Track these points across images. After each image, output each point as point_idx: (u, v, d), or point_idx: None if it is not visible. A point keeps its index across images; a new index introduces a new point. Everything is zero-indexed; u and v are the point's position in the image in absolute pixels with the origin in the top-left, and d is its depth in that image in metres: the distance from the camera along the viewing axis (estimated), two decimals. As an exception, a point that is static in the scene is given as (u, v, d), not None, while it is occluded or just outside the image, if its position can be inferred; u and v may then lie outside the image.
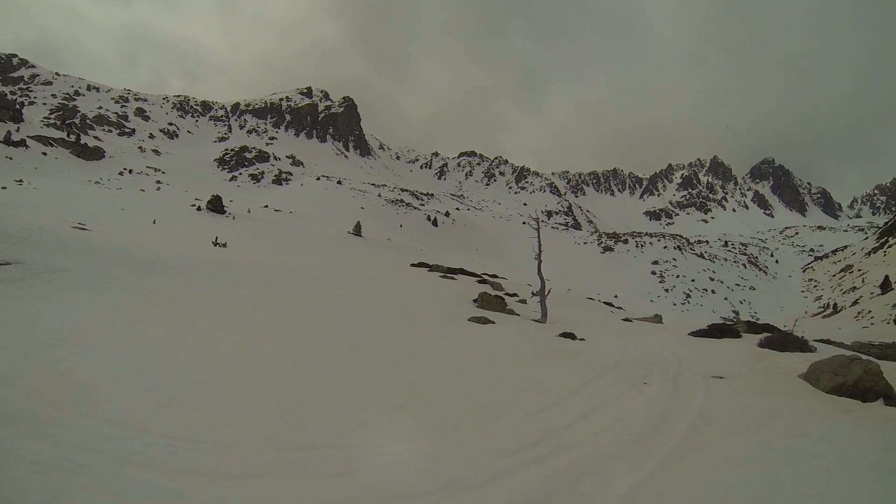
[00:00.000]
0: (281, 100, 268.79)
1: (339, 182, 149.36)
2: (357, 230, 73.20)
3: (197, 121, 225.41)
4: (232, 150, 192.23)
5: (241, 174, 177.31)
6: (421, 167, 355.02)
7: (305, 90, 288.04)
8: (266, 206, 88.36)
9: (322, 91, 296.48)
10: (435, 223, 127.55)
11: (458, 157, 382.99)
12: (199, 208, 60.96)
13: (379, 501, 4.48)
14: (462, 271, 35.13)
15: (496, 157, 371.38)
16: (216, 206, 61.45)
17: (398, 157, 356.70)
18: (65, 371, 6.98)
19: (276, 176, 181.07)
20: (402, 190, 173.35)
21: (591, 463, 5.66)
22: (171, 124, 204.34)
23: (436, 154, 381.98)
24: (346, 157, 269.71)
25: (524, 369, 10.44)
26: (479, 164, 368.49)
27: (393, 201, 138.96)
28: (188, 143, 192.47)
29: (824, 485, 5.40)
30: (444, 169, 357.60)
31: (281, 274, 20.33)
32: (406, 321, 14.67)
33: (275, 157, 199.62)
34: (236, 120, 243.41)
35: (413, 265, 36.44)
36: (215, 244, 32.33)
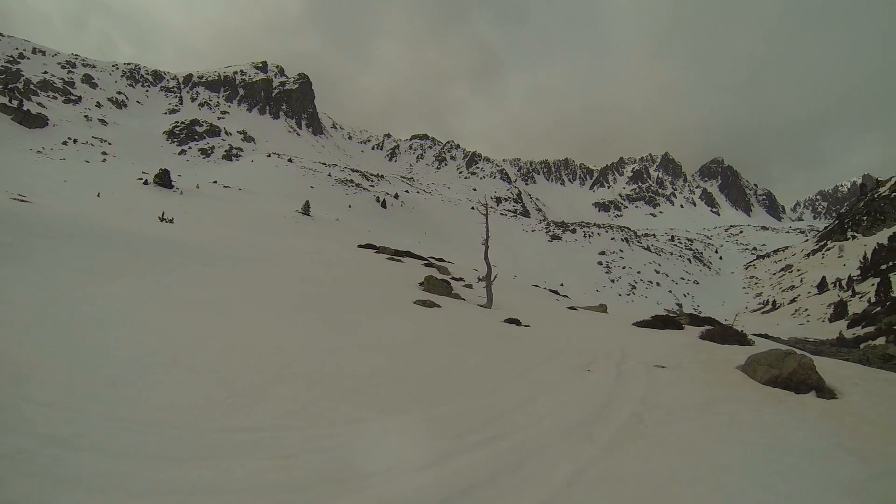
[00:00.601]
0: (235, 73, 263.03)
1: (289, 160, 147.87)
2: (306, 209, 72.49)
3: (147, 91, 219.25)
4: (182, 122, 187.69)
5: (190, 148, 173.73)
6: (373, 148, 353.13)
7: (260, 64, 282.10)
8: (215, 182, 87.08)
9: (277, 66, 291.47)
10: (384, 205, 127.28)
11: (411, 139, 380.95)
12: (146, 182, 59.69)
13: (325, 483, 4.49)
14: (409, 254, 35.21)
15: (448, 142, 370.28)
16: (164, 180, 60.18)
17: (350, 137, 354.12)
18: (1, 351, 6.78)
19: (226, 151, 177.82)
20: (353, 170, 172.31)
21: (534, 446, 5.79)
22: (119, 93, 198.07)
23: (388, 136, 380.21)
24: (298, 134, 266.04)
25: (469, 354, 10.55)
26: (430, 147, 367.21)
27: (343, 181, 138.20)
28: (137, 113, 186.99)
29: (757, 469, 5.70)
30: (396, 151, 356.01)
31: (228, 252, 20.07)
32: (352, 302, 14.64)
33: (226, 132, 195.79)
34: (188, 92, 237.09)
35: (360, 246, 36.37)
36: (162, 220, 31.77)
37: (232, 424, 5.53)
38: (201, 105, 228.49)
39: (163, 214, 33.96)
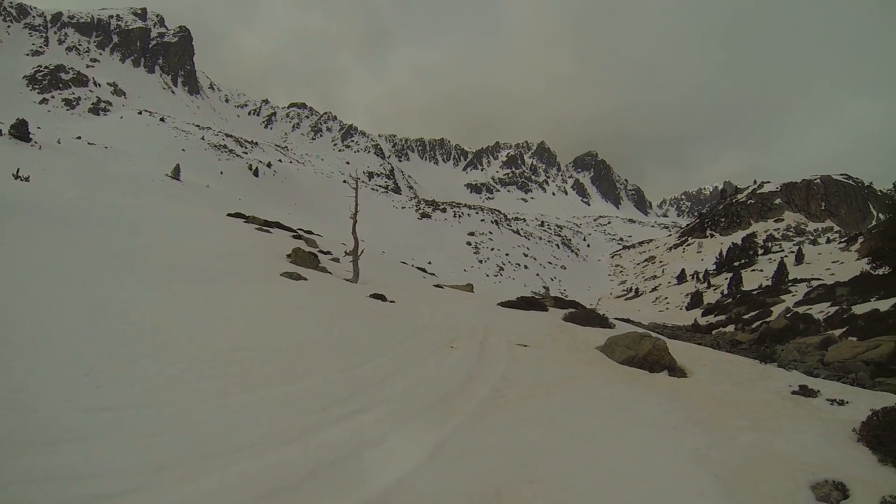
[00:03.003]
0: (111, 17, 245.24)
1: (162, 119, 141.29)
2: (176, 173, 69.50)
3: (9, 26, 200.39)
4: (46, 67, 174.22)
5: (53, 97, 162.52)
6: (249, 113, 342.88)
7: (140, 11, 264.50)
8: (79, 138, 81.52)
9: (157, 15, 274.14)
10: (256, 173, 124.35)
11: (288, 107, 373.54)
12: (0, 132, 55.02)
13: (191, 460, 4.38)
14: (278, 225, 34.84)
15: (326, 112, 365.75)
16: (21, 132, 55.18)
17: (227, 100, 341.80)
18: None
19: (93, 104, 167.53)
20: (227, 135, 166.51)
21: (398, 420, 5.91)
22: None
23: (266, 101, 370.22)
24: (172, 92, 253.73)
25: (334, 327, 10.58)
26: (307, 116, 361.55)
27: (216, 146, 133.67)
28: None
29: (611, 439, 6.14)
30: (273, 118, 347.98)
31: (90, 216, 18.96)
32: (218, 273, 14.23)
33: (95, 83, 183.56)
34: (55, 32, 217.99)
35: (230, 215, 35.48)
36: (16, 177, 29.64)
37: (93, 403, 5.23)
38: (69, 49, 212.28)
39: (17, 171, 31.65)
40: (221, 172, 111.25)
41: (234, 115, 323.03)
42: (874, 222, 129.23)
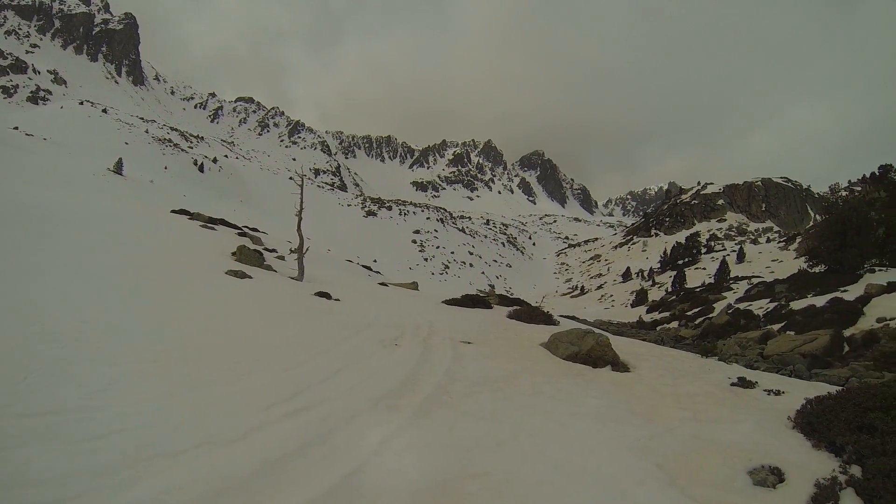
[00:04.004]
0: (53, 0, 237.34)
1: (104, 110, 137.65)
2: (118, 168, 67.90)
3: None
4: None
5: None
6: (196, 107, 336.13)
7: None
8: (16, 129, 79.11)
9: (102, 0, 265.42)
10: (202, 169, 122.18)
11: (236, 101, 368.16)
12: (-74, 121, 52.71)
13: (136, 464, 4.29)
14: (223, 222, 34.31)
15: (273, 108, 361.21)
16: None
17: (173, 92, 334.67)
18: None
19: (32, 92, 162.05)
20: (172, 129, 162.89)
21: (343, 417, 5.92)
22: None
23: (213, 95, 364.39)
24: (116, 82, 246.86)
25: (279, 326, 10.50)
26: (255, 111, 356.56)
27: (161, 140, 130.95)
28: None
29: (554, 433, 6.26)
30: (220, 112, 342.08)
31: (25, 212, 18.38)
32: (161, 271, 13.89)
33: (34, 70, 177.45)
34: None
35: (174, 212, 34.81)
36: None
37: (32, 408, 5.08)
38: (8, 33, 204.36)
39: (-55, 163, 30.49)
40: (166, 167, 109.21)
41: (179, 108, 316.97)
42: (811, 223, 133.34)
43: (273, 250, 27.79)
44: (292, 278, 19.66)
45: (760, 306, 35.53)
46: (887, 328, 21.03)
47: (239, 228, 34.00)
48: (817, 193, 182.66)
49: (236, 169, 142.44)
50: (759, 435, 6.36)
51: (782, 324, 27.49)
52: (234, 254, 19.99)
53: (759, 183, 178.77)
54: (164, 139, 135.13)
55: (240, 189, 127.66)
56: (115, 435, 4.67)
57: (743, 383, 9.69)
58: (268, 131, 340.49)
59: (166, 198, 59.38)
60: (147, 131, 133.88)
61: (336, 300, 15.83)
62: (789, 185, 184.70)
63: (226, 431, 5.08)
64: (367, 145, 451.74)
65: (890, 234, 36.98)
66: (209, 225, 30.08)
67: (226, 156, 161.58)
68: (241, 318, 10.61)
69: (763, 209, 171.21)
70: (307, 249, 22.08)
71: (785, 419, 6.89)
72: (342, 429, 5.58)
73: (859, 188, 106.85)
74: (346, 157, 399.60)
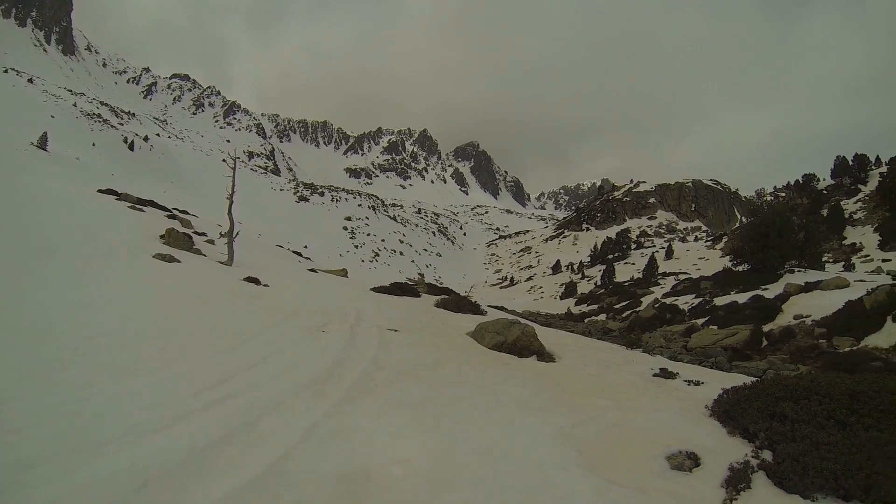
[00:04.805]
0: None
1: (30, 80, 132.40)
2: (42, 142, 65.43)
3: None
4: None
5: None
6: (128, 81, 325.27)
7: None
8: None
9: None
10: (132, 147, 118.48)
11: (171, 77, 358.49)
12: None
13: (58, 457, 4.13)
14: (153, 203, 33.73)
15: (209, 87, 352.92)
16: None
17: (105, 65, 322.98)
18: None
19: None
20: (102, 103, 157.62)
21: (269, 404, 5.88)
22: None
23: (147, 70, 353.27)
24: (45, 51, 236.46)
25: (206, 311, 10.39)
26: (190, 89, 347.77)
27: (90, 114, 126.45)
28: None
29: (479, 420, 6.37)
30: (153, 88, 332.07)
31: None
32: (84, 253, 13.52)
33: None
34: None
35: (101, 191, 33.92)
36: None
37: None
38: None
39: None
40: (94, 144, 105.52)
41: (111, 82, 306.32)
42: (737, 224, 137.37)
43: (203, 234, 27.32)
44: (222, 263, 19.41)
45: (686, 301, 36.57)
46: (803, 325, 22.13)
47: (169, 210, 33.41)
48: (744, 197, 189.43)
49: (168, 149, 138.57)
50: (677, 422, 6.62)
51: (706, 318, 28.46)
52: (162, 237, 19.65)
53: (690, 184, 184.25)
54: (94, 114, 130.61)
55: (171, 170, 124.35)
56: (35, 427, 4.50)
57: (665, 374, 10.06)
58: (202, 111, 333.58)
59: (94, 176, 57.56)
60: (75, 105, 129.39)
61: (265, 286, 15.74)
62: (718, 187, 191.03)
63: (150, 421, 4.96)
64: (302, 130, 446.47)
65: (810, 238, 39.47)
66: (138, 206, 29.46)
67: (158, 134, 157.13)
68: (168, 303, 10.44)
69: (692, 209, 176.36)
70: (237, 234, 21.80)
71: (703, 408, 7.17)
72: (269, 416, 5.55)
73: (784, 194, 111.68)
74: (281, 141, 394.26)
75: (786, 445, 5.37)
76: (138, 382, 5.89)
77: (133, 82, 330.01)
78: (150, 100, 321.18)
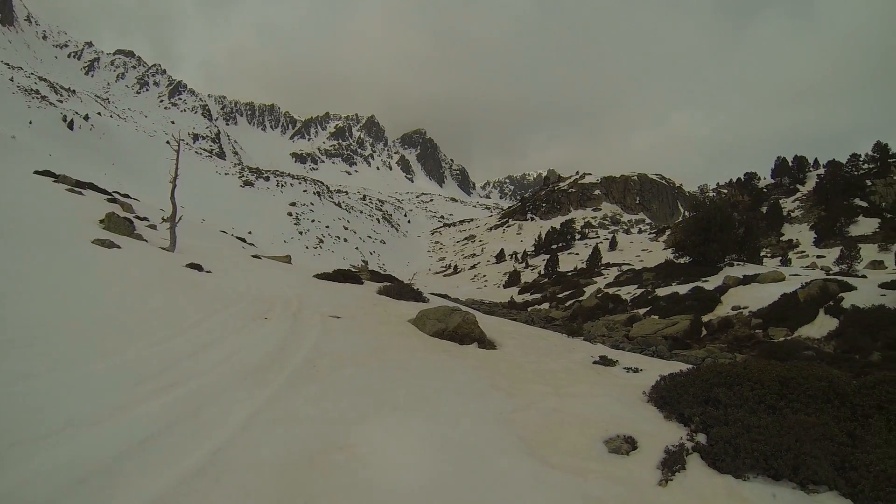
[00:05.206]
0: None
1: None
2: (-28, 120, 62.89)
3: None
4: None
5: None
6: (70, 56, 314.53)
7: None
8: None
9: None
10: (71, 126, 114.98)
11: (115, 53, 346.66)
12: None
13: None
14: (92, 186, 32.92)
15: (155, 65, 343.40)
16: None
17: (45, 37, 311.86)
18: None
19: None
20: (41, 79, 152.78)
21: (211, 392, 5.82)
22: None
23: (89, 44, 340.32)
24: None
25: (148, 298, 10.13)
26: (134, 67, 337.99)
27: (27, 90, 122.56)
28: None
29: (419, 406, 6.42)
30: (95, 64, 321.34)
31: None
32: (19, 239, 13.10)
33: None
34: None
35: (37, 173, 32.90)
36: None
37: None
38: None
39: None
40: (31, 122, 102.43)
41: (51, 56, 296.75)
42: (680, 218, 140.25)
43: (145, 218, 26.80)
44: (164, 249, 19.06)
45: (628, 291, 37.39)
46: (740, 315, 23.08)
47: (109, 194, 32.60)
48: (688, 192, 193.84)
49: (110, 129, 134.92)
50: (615, 408, 6.77)
51: (648, 308, 29.20)
52: (102, 221, 19.19)
53: (636, 177, 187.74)
54: (31, 90, 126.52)
55: (112, 151, 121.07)
56: (-31, 422, 4.40)
57: (604, 361, 10.26)
58: (147, 90, 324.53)
59: (30, 157, 55.65)
60: (12, 79, 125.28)
61: (208, 272, 15.52)
62: (663, 181, 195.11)
63: (90, 412, 4.83)
64: (249, 112, 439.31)
65: (749, 233, 41.18)
66: (76, 189, 28.70)
67: (99, 113, 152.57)
68: (108, 290, 10.18)
69: (637, 202, 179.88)
70: (180, 219, 21.42)
71: (641, 394, 7.37)
72: (210, 405, 5.48)
73: (726, 191, 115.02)
74: (228, 124, 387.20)
75: (719, 429, 5.61)
76: (77, 373, 5.73)
77: (74, 57, 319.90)
78: (92, 76, 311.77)
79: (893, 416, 5.77)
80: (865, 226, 66.83)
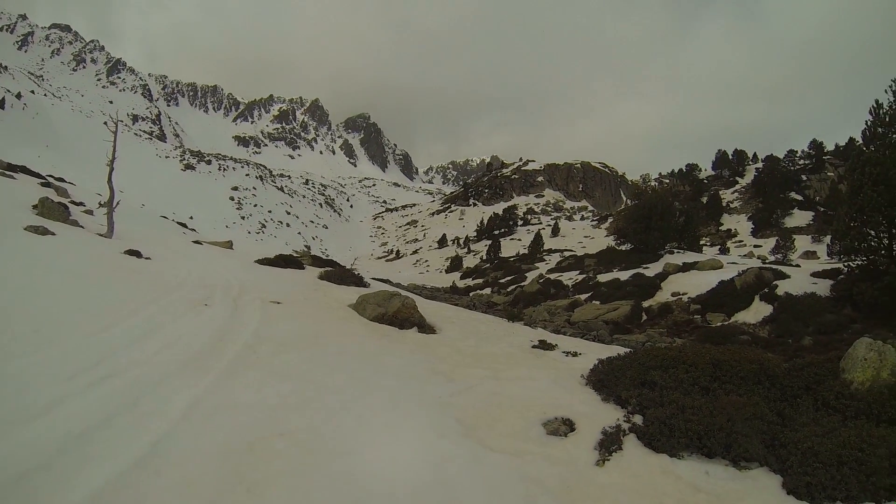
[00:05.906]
0: None
1: None
2: None
3: None
4: None
5: None
6: (1, 29, 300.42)
7: None
8: None
9: None
10: (2, 105, 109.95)
11: (50, 28, 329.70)
12: None
13: None
14: (25, 170, 31.79)
15: (92, 41, 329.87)
16: None
17: None
18: None
19: None
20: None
21: (151, 382, 5.72)
22: None
23: (23, 17, 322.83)
24: None
25: (83, 287, 9.84)
26: (71, 42, 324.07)
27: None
28: None
29: (359, 390, 6.43)
30: (29, 39, 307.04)
31: None
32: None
33: None
34: None
35: (-36, 154, 31.63)
36: None
37: None
38: None
39: None
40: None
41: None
42: (623, 206, 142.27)
43: (81, 204, 25.99)
44: (101, 235, 18.53)
45: (570, 277, 37.87)
46: (680, 301, 23.78)
47: (43, 178, 31.38)
48: (631, 181, 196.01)
49: (44, 108, 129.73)
50: (554, 391, 6.94)
51: (589, 294, 29.66)
52: (35, 207, 18.57)
53: (579, 165, 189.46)
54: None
55: (46, 132, 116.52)
56: None
57: (543, 346, 10.45)
58: (84, 67, 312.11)
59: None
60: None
61: (147, 259, 15.15)
62: (606, 170, 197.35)
63: (24, 407, 4.70)
64: (191, 93, 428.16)
65: (689, 222, 42.39)
66: (7, 172, 27.63)
67: (32, 91, 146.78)
68: (42, 280, 9.84)
69: (580, 189, 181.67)
70: (118, 203, 20.84)
71: (579, 377, 7.54)
72: (150, 395, 5.39)
73: (668, 181, 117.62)
74: (169, 105, 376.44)
75: (655, 410, 5.83)
76: (9, 367, 5.55)
77: (7, 30, 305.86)
78: (26, 52, 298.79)
79: (820, 397, 6.08)
80: (800, 218, 69.82)
